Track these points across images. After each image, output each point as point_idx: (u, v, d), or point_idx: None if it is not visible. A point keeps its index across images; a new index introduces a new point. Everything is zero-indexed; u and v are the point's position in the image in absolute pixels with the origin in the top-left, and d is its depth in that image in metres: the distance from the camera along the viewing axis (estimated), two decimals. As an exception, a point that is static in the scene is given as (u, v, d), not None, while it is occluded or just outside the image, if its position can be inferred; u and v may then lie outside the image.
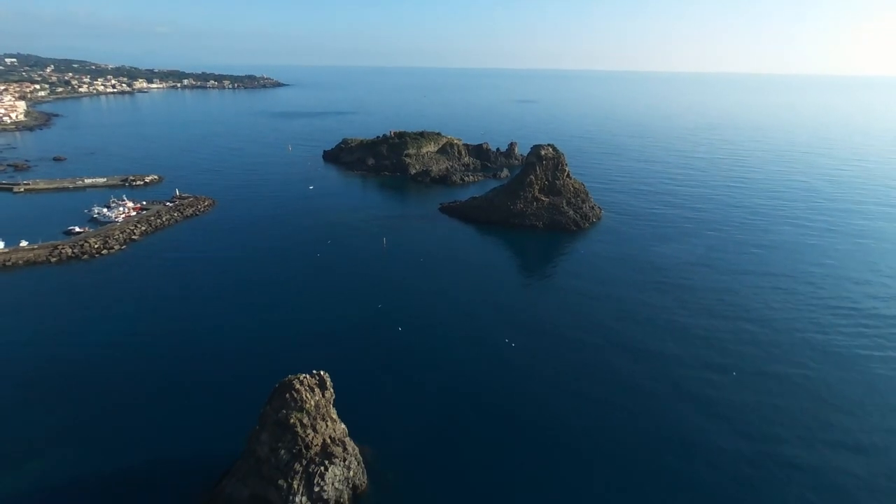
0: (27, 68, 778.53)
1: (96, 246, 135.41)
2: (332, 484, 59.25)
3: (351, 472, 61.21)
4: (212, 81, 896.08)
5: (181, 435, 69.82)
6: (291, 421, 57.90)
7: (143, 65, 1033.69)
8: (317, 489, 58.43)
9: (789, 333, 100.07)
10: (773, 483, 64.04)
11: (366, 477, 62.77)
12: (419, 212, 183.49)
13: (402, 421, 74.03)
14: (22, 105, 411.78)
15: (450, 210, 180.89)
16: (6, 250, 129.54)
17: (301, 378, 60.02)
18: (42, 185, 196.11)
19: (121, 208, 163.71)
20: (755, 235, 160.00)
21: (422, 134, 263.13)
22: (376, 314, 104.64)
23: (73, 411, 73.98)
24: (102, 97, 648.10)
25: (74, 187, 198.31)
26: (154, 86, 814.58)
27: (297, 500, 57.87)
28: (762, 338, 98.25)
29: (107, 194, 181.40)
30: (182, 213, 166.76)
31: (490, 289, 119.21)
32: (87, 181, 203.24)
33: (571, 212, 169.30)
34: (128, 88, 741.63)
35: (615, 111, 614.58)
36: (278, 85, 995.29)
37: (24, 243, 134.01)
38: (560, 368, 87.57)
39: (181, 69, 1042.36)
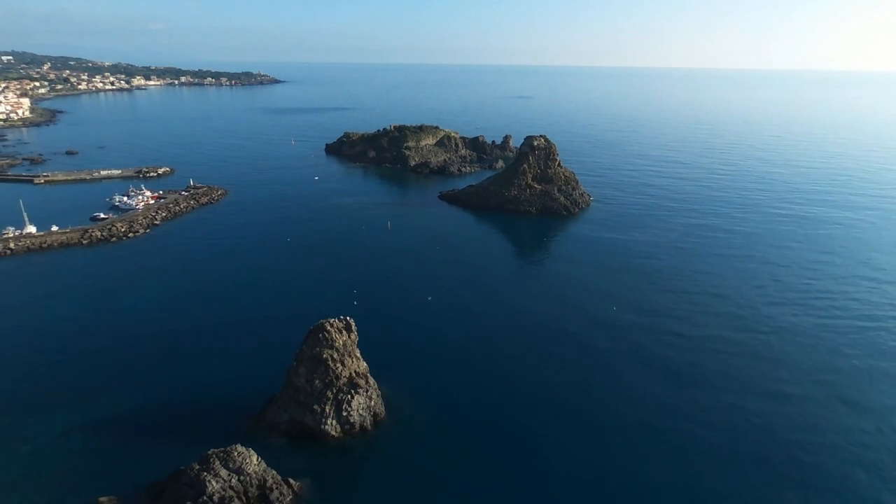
0: (24, 66, 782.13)
1: (123, 230, 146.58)
2: (357, 410, 71.34)
3: (372, 402, 73.27)
4: (209, 79, 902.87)
5: (225, 377, 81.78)
6: (324, 356, 69.95)
7: (138, 62, 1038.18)
8: (344, 414, 70.54)
9: (746, 307, 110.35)
10: (714, 422, 75.18)
11: (384, 408, 74.79)
12: (420, 199, 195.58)
13: (414, 367, 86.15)
14: (26, 102, 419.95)
15: (449, 197, 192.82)
16: (41, 234, 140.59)
17: (331, 321, 72.03)
18: (61, 177, 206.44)
19: (140, 196, 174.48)
20: (728, 222, 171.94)
21: (420, 127, 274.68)
22: (384, 284, 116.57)
23: (129, 361, 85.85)
24: (101, 94, 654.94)
25: (91, 178, 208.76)
26: (152, 83, 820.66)
27: (328, 422, 69.98)
28: (720, 309, 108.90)
29: (121, 185, 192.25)
30: (198, 200, 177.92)
31: (485, 264, 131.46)
32: (103, 173, 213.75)
33: (562, 198, 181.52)
34: (126, 86, 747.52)
35: (607, 106, 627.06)
36: (275, 82, 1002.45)
37: (54, 228, 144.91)
38: (542, 333, 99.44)
39: (177, 66, 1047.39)
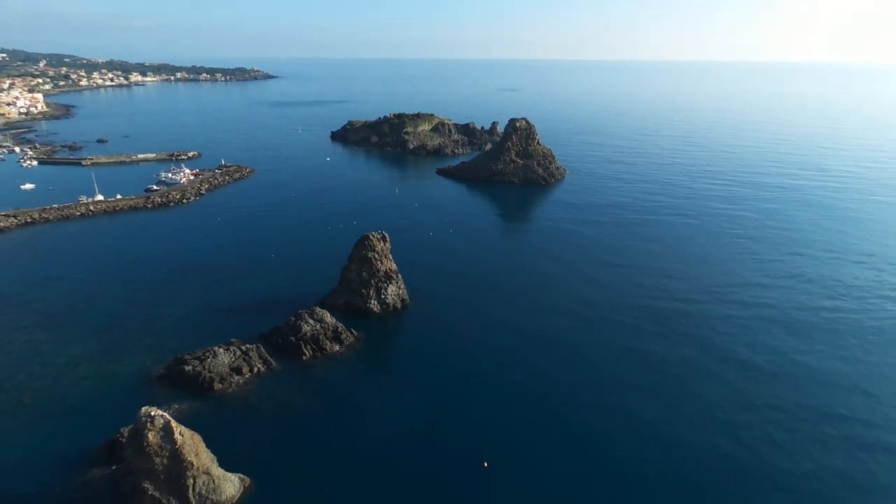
0: (19, 63, 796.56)
1: (177, 197, 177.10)
2: (391, 295, 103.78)
3: (401, 291, 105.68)
4: (204, 74, 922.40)
5: (291, 281, 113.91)
6: (368, 256, 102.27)
7: (129, 59, 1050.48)
8: (382, 296, 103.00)
9: (670, 253, 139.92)
10: (641, 319, 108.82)
11: (409, 296, 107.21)
12: (419, 174, 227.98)
13: (429, 275, 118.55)
14: (40, 97, 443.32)
15: (445, 172, 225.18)
16: (111, 200, 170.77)
17: (373, 233, 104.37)
18: (104, 160, 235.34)
19: (181, 173, 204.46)
20: (673, 187, 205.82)
21: (418, 115, 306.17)
22: (397, 231, 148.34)
23: (221, 272, 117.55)
24: (102, 90, 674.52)
25: (130, 161, 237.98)
26: (149, 79, 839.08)
27: (371, 302, 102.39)
28: (654, 249, 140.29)
29: (158, 166, 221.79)
30: (231, 176, 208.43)
31: (477, 217, 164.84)
32: (140, 156, 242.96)
33: (541, 170, 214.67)
34: (125, 82, 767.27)
35: (587, 98, 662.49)
36: (268, 77, 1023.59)
37: (118, 196, 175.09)
38: (519, 257, 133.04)
39: (170, 62, 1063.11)
